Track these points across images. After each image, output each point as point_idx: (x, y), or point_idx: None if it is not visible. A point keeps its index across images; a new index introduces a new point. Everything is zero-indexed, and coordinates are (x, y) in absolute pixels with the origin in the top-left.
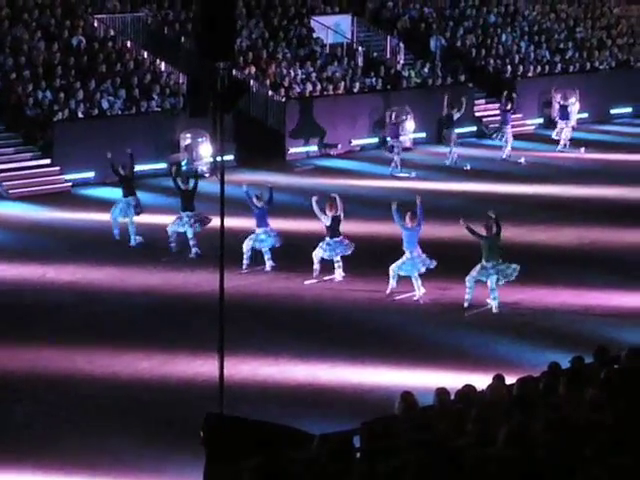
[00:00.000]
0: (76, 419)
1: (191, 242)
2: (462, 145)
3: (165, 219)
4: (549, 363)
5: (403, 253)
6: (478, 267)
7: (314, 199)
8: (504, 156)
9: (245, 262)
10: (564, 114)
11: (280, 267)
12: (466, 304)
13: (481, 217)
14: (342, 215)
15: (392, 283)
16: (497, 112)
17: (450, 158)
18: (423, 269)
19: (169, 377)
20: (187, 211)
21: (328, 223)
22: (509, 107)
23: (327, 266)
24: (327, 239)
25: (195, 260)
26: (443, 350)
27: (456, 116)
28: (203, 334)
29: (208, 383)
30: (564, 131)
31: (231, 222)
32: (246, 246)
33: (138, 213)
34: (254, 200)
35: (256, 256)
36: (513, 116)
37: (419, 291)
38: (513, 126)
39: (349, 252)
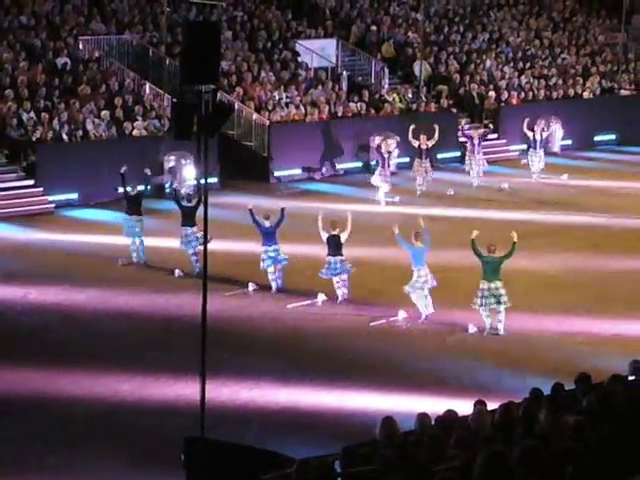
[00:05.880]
0: (58, 440)
1: (193, 258)
2: (445, 170)
3: (151, 241)
4: (531, 389)
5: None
6: (478, 290)
7: (320, 214)
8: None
9: (273, 285)
10: (535, 143)
11: (263, 290)
12: (469, 327)
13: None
14: (343, 236)
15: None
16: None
17: (419, 189)
18: (427, 287)
19: (150, 399)
20: (187, 226)
21: (324, 240)
22: (482, 132)
23: (311, 290)
24: (327, 257)
25: (179, 281)
26: (425, 375)
27: (430, 144)
28: (185, 356)
29: (189, 406)
30: (533, 159)
31: (215, 245)
32: (267, 268)
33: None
34: (260, 220)
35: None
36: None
37: (427, 309)
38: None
39: (344, 275)
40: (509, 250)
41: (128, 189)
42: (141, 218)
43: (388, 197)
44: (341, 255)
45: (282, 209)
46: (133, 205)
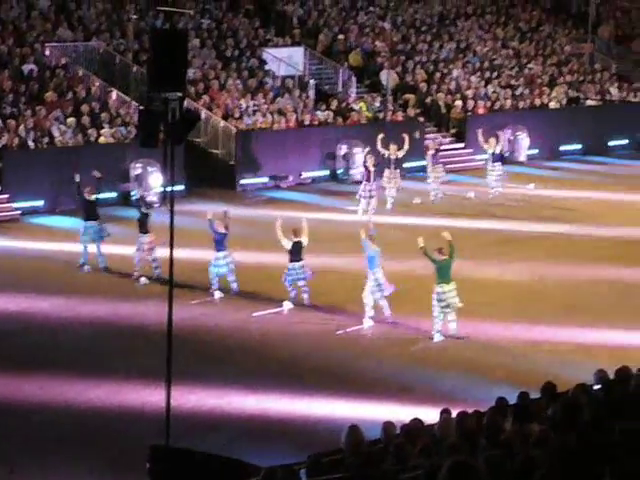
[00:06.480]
0: (24, 446)
1: (154, 264)
2: (411, 179)
3: (117, 249)
4: (496, 398)
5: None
6: (434, 294)
7: (278, 222)
8: (437, 196)
9: (214, 288)
10: (495, 157)
11: (228, 298)
12: (435, 336)
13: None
14: (304, 241)
15: (368, 311)
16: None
17: (390, 201)
18: (379, 294)
19: (117, 407)
20: (146, 233)
21: (289, 247)
22: (437, 146)
23: (277, 298)
24: (288, 264)
25: (144, 289)
26: (390, 384)
27: (400, 154)
28: (151, 364)
29: (156, 413)
30: (491, 173)
31: (181, 253)
32: (210, 273)
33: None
34: (215, 226)
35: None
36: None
37: (385, 311)
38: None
39: (306, 278)
40: (450, 250)
41: (91, 198)
42: (99, 223)
43: (356, 205)
44: (302, 260)
45: (225, 212)
46: (90, 210)
